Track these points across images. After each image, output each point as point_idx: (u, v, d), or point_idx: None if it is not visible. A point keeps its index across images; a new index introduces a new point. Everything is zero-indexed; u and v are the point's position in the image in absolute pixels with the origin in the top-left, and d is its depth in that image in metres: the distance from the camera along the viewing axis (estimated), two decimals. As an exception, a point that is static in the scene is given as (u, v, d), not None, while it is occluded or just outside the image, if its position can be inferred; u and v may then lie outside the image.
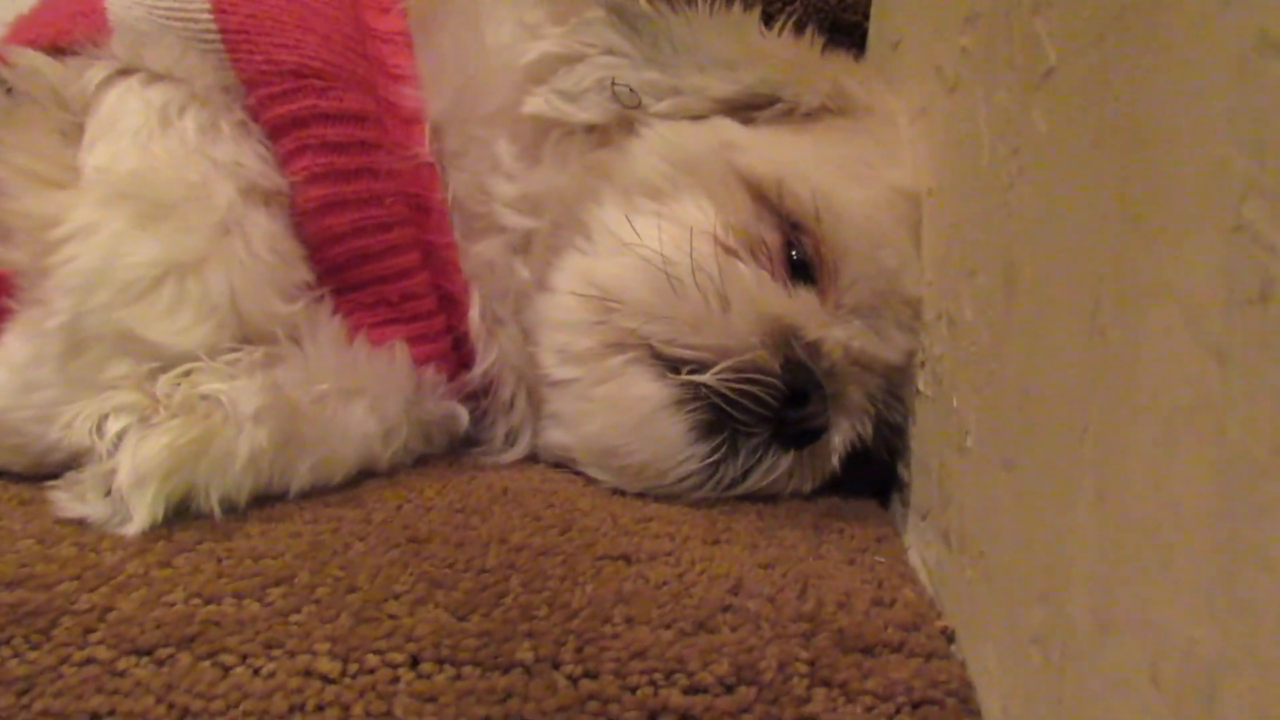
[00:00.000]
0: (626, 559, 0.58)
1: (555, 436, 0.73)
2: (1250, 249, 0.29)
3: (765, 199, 0.71)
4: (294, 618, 0.51)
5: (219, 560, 0.56)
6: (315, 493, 0.66)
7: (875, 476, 0.76)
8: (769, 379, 0.66)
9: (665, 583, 0.56)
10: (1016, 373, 0.46)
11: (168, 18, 0.69)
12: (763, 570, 0.58)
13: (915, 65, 0.76)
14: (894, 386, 0.72)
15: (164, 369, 0.63)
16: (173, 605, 0.51)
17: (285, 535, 0.59)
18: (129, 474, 0.58)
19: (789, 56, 0.78)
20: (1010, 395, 0.47)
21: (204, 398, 0.62)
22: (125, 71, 0.68)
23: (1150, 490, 0.33)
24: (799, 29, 0.84)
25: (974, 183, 0.55)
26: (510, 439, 0.76)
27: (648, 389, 0.67)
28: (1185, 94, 0.32)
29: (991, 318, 0.51)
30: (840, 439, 0.71)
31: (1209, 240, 0.31)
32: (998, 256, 0.50)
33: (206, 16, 0.69)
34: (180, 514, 0.60)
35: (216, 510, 0.60)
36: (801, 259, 0.71)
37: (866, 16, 1.01)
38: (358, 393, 0.69)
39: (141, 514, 0.57)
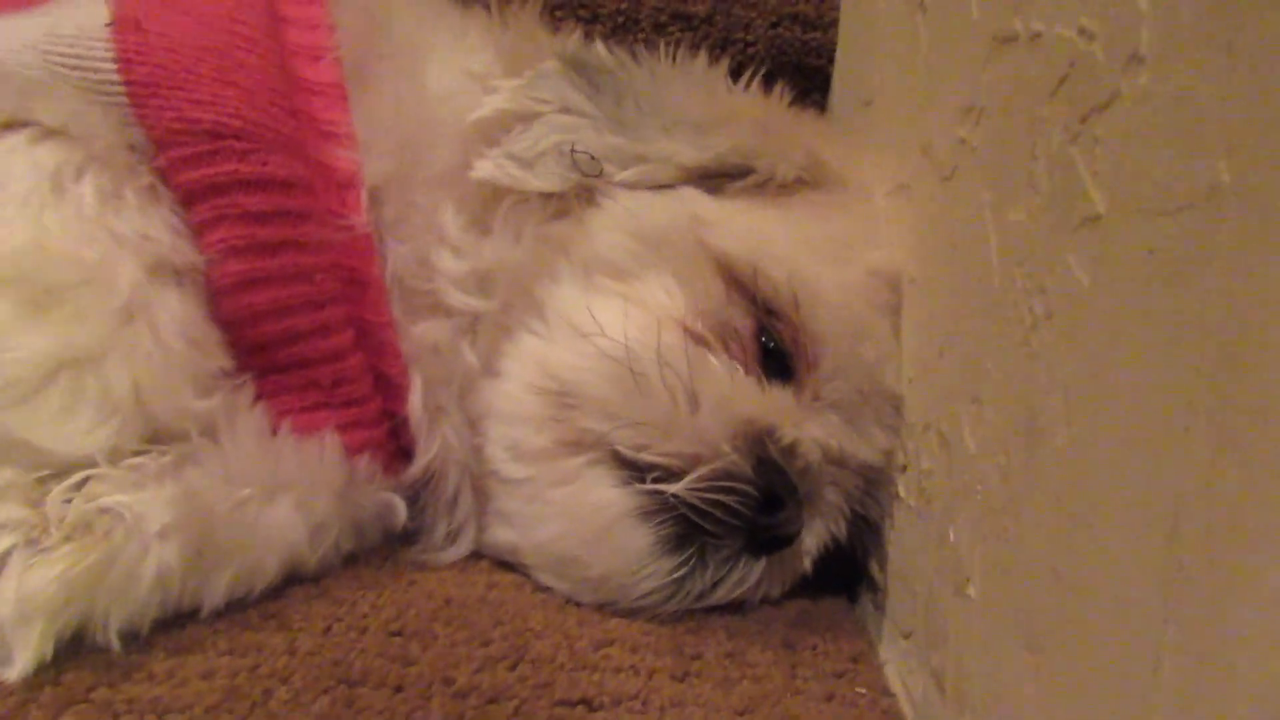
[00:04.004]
0: (588, 704, 0.53)
1: (503, 536, 0.66)
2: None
3: (738, 282, 0.65)
4: (204, 803, 0.44)
5: (116, 716, 0.49)
6: (232, 606, 0.59)
7: (846, 570, 0.72)
8: (742, 487, 0.60)
9: (633, 740, 0.50)
10: (1046, 548, 0.41)
11: (63, 65, 0.60)
12: (739, 719, 0.52)
13: (894, 132, 0.71)
14: (871, 484, 0.67)
15: (56, 477, 0.55)
16: (59, 786, 0.44)
17: (196, 675, 0.52)
18: (12, 610, 0.50)
19: (759, 117, 0.72)
20: (1037, 570, 0.42)
21: (103, 512, 0.54)
22: (11, 126, 0.59)
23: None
24: (767, 80, 0.78)
25: (979, 297, 0.50)
26: (452, 536, 0.69)
27: (609, 496, 0.61)
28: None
29: (1005, 465, 0.45)
30: (814, 540, 0.66)
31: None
32: (1013, 397, 0.45)
33: (109, 65, 0.60)
34: (73, 642, 0.52)
35: (115, 642, 0.52)
36: (775, 346, 0.65)
37: (831, 61, 0.96)
38: (283, 489, 0.62)
39: (26, 656, 0.50)
